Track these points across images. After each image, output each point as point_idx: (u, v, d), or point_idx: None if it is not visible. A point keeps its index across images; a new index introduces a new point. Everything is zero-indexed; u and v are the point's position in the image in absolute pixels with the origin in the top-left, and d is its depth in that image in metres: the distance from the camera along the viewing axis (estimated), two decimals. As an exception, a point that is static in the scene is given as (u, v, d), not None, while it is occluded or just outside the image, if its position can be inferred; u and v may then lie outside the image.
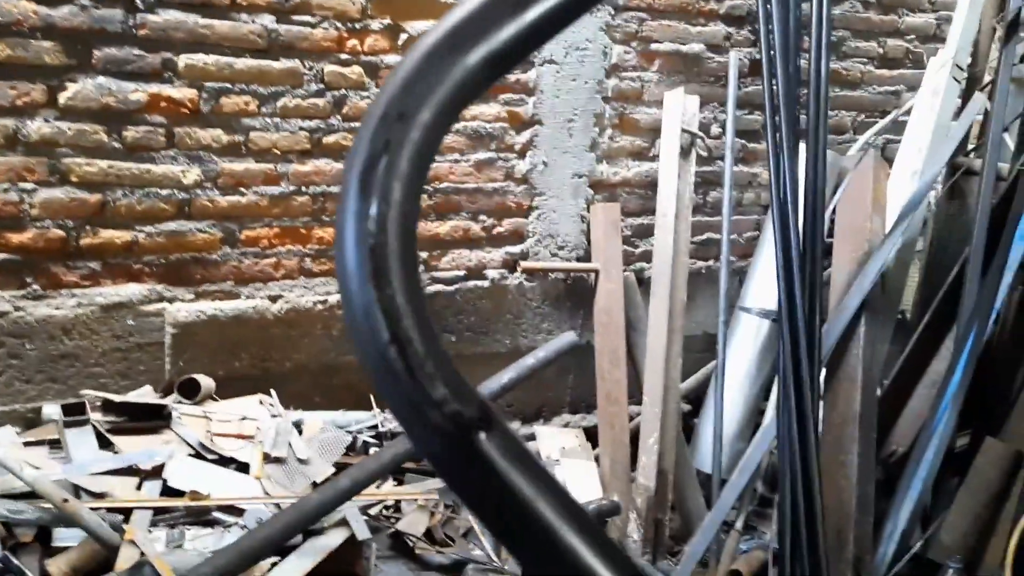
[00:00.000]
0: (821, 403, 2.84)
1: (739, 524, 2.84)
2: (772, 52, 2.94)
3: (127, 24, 2.34)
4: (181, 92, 2.43)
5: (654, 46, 3.03)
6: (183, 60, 2.42)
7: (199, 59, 2.43)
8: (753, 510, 3.02)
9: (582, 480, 2.88)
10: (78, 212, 2.40)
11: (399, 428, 2.64)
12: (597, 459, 3.03)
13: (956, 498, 2.63)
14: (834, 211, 3.05)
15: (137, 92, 2.39)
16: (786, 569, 2.49)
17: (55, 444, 2.34)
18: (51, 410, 2.41)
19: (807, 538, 2.49)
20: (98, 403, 2.43)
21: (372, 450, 2.60)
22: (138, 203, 2.46)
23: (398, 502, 2.47)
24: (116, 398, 2.42)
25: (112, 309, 2.48)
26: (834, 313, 2.86)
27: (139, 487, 2.20)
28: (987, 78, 3.13)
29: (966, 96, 3.19)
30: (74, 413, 2.35)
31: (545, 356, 2.48)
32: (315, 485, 2.38)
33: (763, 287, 3.11)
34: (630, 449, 3.01)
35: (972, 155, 3.17)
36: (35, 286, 2.39)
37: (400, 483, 2.54)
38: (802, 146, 2.87)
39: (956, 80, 3.15)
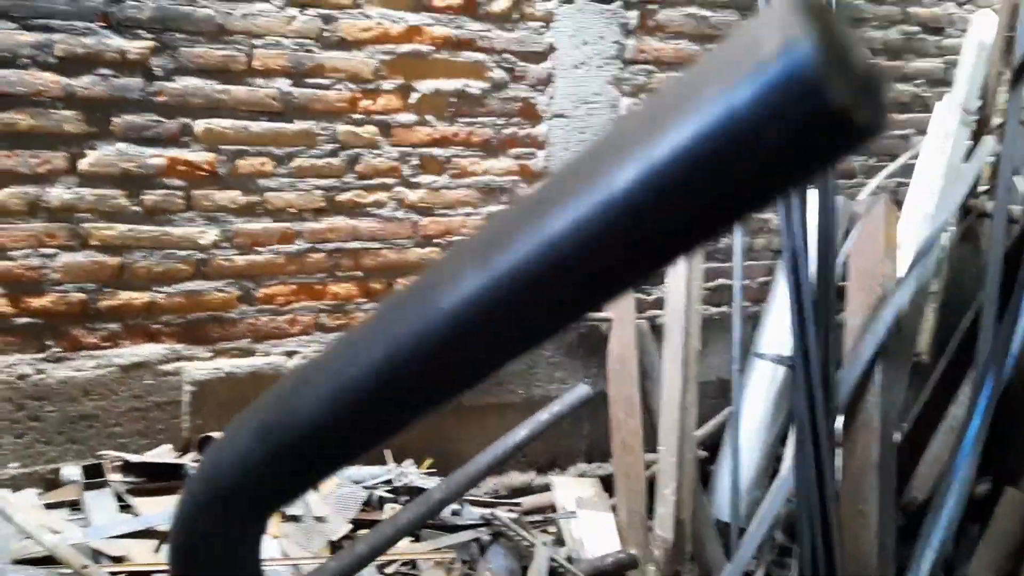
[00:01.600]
0: (839, 451, 2.83)
1: (759, 575, 2.82)
2: (780, 100, 2.97)
3: (146, 92, 2.39)
4: (199, 156, 2.48)
5: (662, 97, 3.06)
6: (200, 125, 2.47)
7: (216, 123, 2.49)
8: (773, 560, 2.99)
9: (599, 532, 2.87)
10: (98, 275, 2.44)
11: (414, 484, 2.65)
12: (614, 508, 3.01)
13: (977, 550, 2.60)
14: (846, 256, 3.05)
15: (156, 157, 2.44)
16: (807, 623, 2.47)
17: (75, 505, 2.36)
18: (71, 471, 2.43)
19: (828, 590, 2.47)
20: (117, 463, 2.45)
21: (388, 506, 2.60)
22: (156, 264, 2.50)
23: (414, 560, 2.47)
24: (134, 458, 2.44)
25: (131, 369, 2.51)
26: (849, 359, 2.85)
27: (157, 550, 2.21)
28: (996, 121, 3.14)
29: (975, 139, 3.20)
30: (93, 474, 2.37)
31: (559, 410, 2.49)
32: (332, 543, 2.39)
33: (777, 333, 3.11)
34: (647, 498, 3.00)
35: (983, 198, 3.17)
36: (55, 348, 2.43)
37: (416, 539, 2.53)
38: (812, 191, 2.89)
39: (965, 124, 3.17)
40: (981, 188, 3.21)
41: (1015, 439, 2.80)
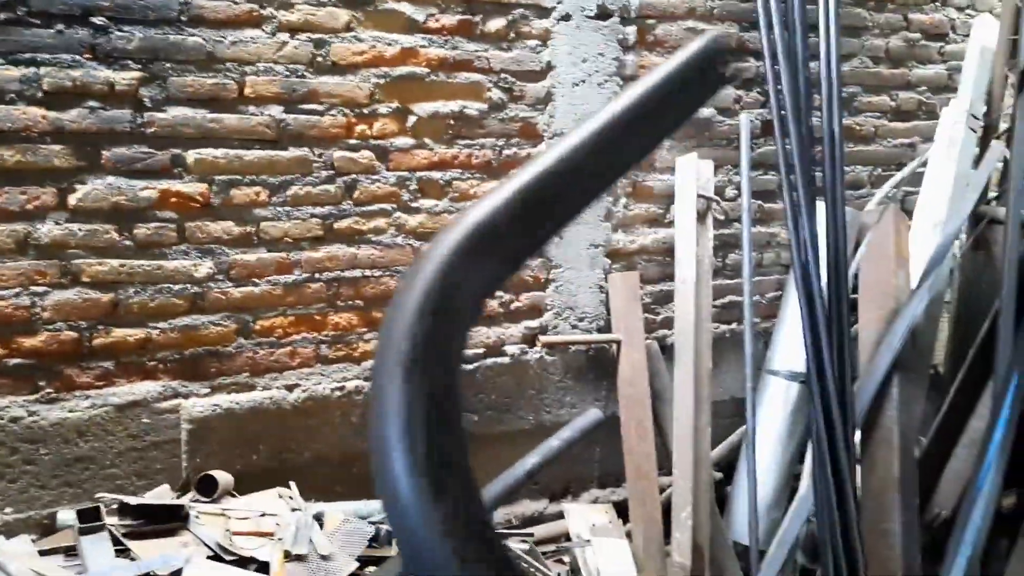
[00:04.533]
0: (858, 468, 2.75)
1: (781, 600, 2.72)
2: (783, 112, 2.92)
3: (135, 123, 2.34)
4: (191, 187, 2.43)
5: (663, 112, 3.01)
6: (192, 155, 2.41)
7: (208, 153, 2.43)
8: (795, 583, 2.90)
9: (615, 560, 2.78)
10: (90, 312, 2.37)
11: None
12: (629, 535, 2.93)
13: (1009, 565, 2.51)
14: (857, 268, 2.98)
15: (147, 189, 2.38)
16: (835, 650, 2.38)
17: (71, 551, 2.28)
18: (66, 516, 2.35)
19: (854, 615, 2.38)
20: (114, 506, 2.37)
21: (396, 540, 2.51)
22: (150, 300, 2.43)
23: (425, 597, 2.38)
24: (132, 500, 2.36)
25: (127, 408, 2.44)
26: (865, 373, 2.78)
27: (158, 595, 2.13)
28: (1003, 126, 3.08)
29: (983, 145, 3.14)
30: (89, 518, 2.29)
31: (570, 436, 2.41)
32: (338, 583, 2.30)
33: (790, 348, 3.04)
34: (663, 523, 2.91)
35: (994, 204, 3.11)
36: (48, 389, 2.35)
37: (426, 575, 2.44)
38: (820, 203, 2.83)
39: (972, 129, 3.11)
40: (991, 194, 3.15)
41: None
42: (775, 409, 3.05)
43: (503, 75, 2.76)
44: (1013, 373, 2.58)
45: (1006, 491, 2.71)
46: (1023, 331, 2.61)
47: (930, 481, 2.90)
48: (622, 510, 3.02)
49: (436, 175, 2.73)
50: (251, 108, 2.46)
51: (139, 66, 2.32)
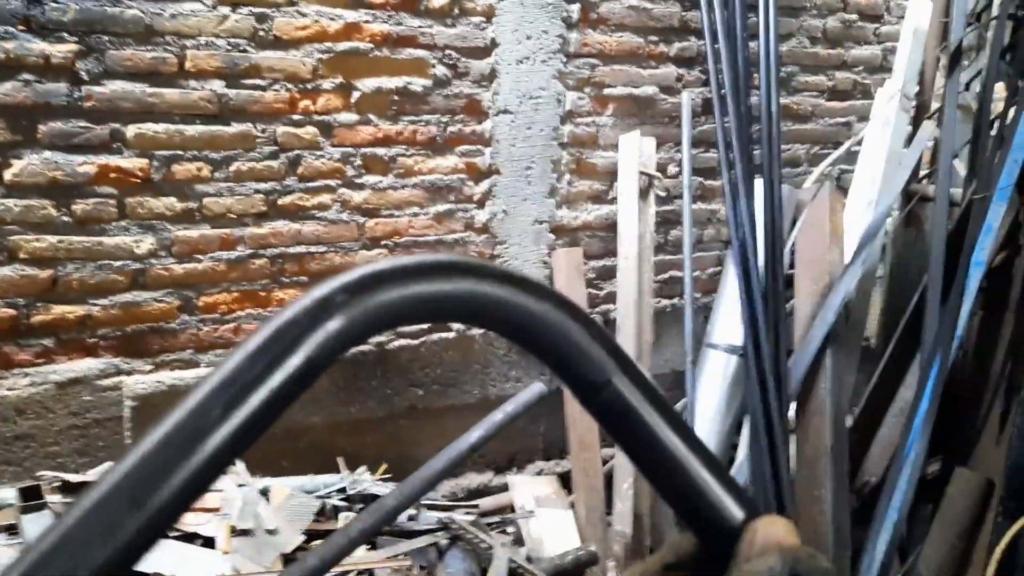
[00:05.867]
0: (792, 437, 2.84)
1: (718, 565, 2.82)
2: (723, 91, 2.98)
3: (72, 97, 2.30)
4: (131, 162, 2.40)
5: (607, 91, 3.05)
6: (132, 130, 2.38)
7: (148, 128, 2.40)
8: (731, 549, 3.00)
9: (558, 530, 2.85)
10: (28, 289, 2.34)
11: (369, 491, 2.60)
12: (572, 505, 3.00)
13: (931, 530, 2.63)
14: (793, 244, 3.07)
15: (85, 164, 2.35)
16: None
17: (12, 530, 2.26)
18: (7, 494, 2.33)
19: (786, 578, 2.47)
20: (56, 484, 2.36)
21: (343, 515, 2.54)
22: (91, 276, 2.41)
23: (371, 569, 2.42)
24: (74, 478, 2.35)
25: (67, 386, 2.42)
26: (800, 346, 2.87)
27: (101, 572, 2.13)
28: (934, 106, 3.18)
29: (915, 125, 3.24)
30: (31, 497, 2.27)
31: (514, 410, 2.45)
32: (284, 556, 2.32)
33: (728, 323, 3.12)
34: (605, 494, 2.98)
35: (925, 182, 3.22)
36: (-14, 367, 2.33)
37: (373, 547, 2.48)
38: (758, 181, 2.90)
39: (905, 110, 3.21)
40: (922, 173, 3.26)
41: (964, 419, 2.84)
42: (714, 382, 3.14)
43: (447, 51, 2.77)
44: (939, 347, 2.69)
45: (931, 459, 2.83)
46: (949, 306, 2.72)
47: (860, 449, 3.01)
48: (566, 482, 3.09)
49: (381, 151, 2.73)
50: (192, 82, 2.43)
51: (75, 39, 2.28)
